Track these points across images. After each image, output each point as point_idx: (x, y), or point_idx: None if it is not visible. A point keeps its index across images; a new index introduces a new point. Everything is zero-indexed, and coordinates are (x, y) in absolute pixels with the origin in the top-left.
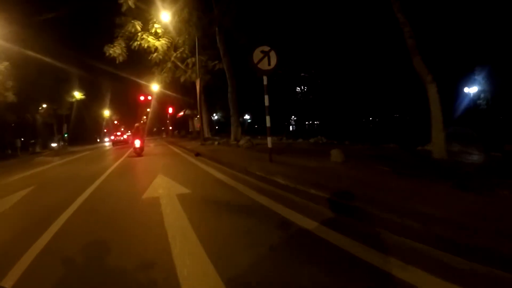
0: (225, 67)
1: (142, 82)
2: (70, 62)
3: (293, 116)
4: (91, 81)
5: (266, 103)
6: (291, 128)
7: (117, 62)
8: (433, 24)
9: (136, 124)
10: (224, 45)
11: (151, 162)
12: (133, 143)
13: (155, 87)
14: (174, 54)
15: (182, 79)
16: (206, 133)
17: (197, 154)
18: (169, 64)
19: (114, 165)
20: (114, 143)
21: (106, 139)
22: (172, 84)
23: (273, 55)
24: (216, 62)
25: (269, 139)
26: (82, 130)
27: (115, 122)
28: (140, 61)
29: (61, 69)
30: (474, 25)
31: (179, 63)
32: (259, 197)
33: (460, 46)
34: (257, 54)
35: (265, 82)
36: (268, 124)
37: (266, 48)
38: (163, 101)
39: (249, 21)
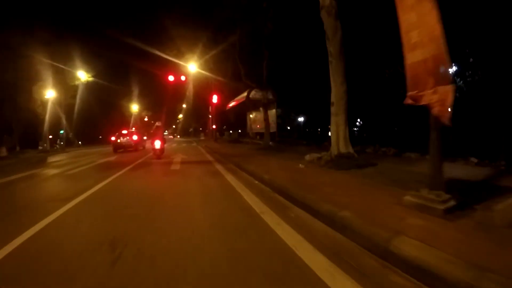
0: None
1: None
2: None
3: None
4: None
5: None
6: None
7: None
8: None
9: (158, 124)
10: None
11: None
12: (153, 144)
13: (192, 67)
14: None
15: None
16: (344, 145)
17: None
18: None
19: None
20: (116, 147)
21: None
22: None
23: None
24: None
25: None
26: (94, 126)
27: (145, 119)
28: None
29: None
30: None
31: None
32: None
33: None
34: None
35: None
36: None
37: None
38: (203, 86)
39: None
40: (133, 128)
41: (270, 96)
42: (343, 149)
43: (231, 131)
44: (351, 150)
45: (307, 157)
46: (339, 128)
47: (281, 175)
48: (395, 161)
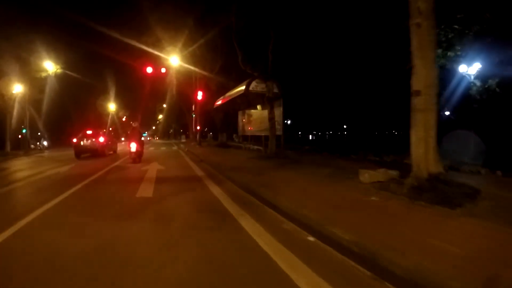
0: None
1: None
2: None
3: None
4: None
5: None
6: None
7: None
8: None
9: (134, 124)
10: None
11: None
12: (128, 146)
13: (174, 60)
14: None
15: None
16: (434, 161)
17: None
18: None
19: None
20: (78, 151)
21: None
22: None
23: None
24: None
25: None
26: (66, 126)
27: (123, 119)
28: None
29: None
30: None
31: None
32: None
33: None
34: None
35: None
36: None
37: None
38: (186, 83)
39: None
40: (110, 129)
41: (275, 90)
42: (433, 168)
43: (211, 133)
44: (441, 168)
45: (365, 177)
46: (428, 133)
47: (365, 225)
48: (478, 180)
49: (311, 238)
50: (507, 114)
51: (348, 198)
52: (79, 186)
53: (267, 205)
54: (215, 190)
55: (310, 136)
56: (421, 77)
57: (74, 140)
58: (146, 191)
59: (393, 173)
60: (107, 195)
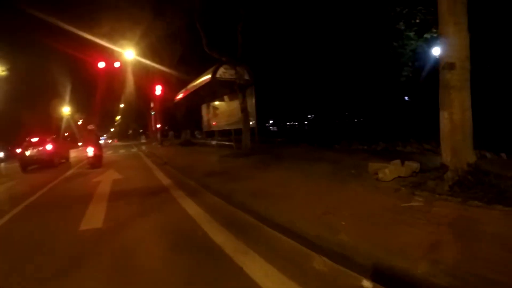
0: None
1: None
2: None
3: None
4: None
5: None
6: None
7: None
8: None
9: (90, 127)
10: None
11: None
12: (85, 151)
13: (128, 53)
14: None
15: None
16: (470, 149)
17: None
18: None
19: None
20: (24, 163)
21: None
22: None
23: None
24: None
25: None
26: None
27: (79, 122)
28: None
29: None
30: None
31: None
32: None
33: None
34: None
35: None
36: None
37: None
38: (143, 79)
39: None
40: (66, 134)
41: (246, 76)
42: (470, 157)
43: (171, 132)
44: (475, 157)
45: (385, 174)
46: (465, 116)
47: (441, 251)
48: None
49: (367, 284)
50: (483, 97)
51: (381, 205)
52: (6, 217)
53: (273, 227)
54: (191, 208)
55: (271, 127)
56: (455, 47)
57: (18, 150)
58: (94, 217)
59: (414, 165)
60: (38, 233)
